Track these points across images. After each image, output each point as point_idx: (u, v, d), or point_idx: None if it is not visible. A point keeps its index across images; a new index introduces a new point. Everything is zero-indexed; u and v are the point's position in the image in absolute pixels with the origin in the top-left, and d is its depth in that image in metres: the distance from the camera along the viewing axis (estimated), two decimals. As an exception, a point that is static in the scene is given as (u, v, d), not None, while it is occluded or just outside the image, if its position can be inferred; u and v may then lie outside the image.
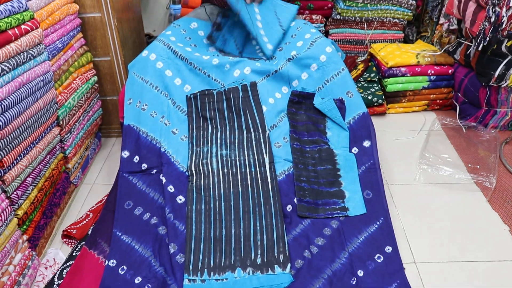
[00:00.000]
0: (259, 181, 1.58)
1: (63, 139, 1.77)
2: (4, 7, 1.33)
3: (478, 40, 2.05)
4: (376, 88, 2.47)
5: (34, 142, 1.53)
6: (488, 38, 2.00)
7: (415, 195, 1.84)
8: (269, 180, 1.58)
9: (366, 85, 2.51)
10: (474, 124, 2.31)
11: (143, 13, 3.25)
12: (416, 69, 2.43)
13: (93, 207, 1.80)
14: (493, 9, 1.94)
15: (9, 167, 1.37)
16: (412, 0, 2.79)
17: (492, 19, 1.95)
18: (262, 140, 1.69)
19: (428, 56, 2.47)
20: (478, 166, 1.98)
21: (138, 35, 2.41)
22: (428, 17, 3.04)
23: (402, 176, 1.95)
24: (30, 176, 1.51)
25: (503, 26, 1.94)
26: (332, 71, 1.77)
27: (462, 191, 1.85)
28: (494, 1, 1.92)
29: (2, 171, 1.34)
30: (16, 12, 1.40)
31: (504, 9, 1.90)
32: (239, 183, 1.58)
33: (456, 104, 2.44)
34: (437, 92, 2.48)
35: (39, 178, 1.58)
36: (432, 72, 2.43)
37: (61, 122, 1.73)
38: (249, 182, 1.58)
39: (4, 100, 1.31)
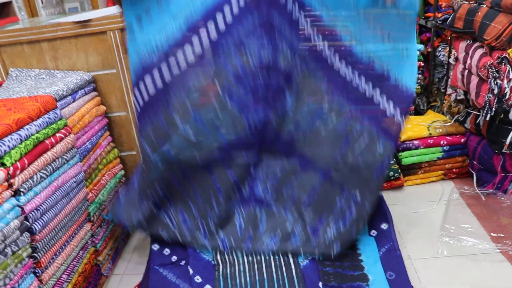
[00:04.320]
0: (283, 268, 1.61)
1: (94, 233, 1.85)
2: (42, 120, 1.47)
3: (485, 111, 2.12)
4: (392, 162, 2.53)
5: (68, 240, 1.62)
6: (494, 109, 2.08)
7: (440, 269, 1.83)
8: (292, 267, 1.61)
9: (381, 159, 2.57)
10: (493, 190, 2.32)
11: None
12: (429, 141, 2.49)
13: (123, 298, 1.84)
14: (495, 82, 2.03)
15: (46, 267, 1.44)
16: (418, 74, 2.91)
17: (495, 91, 2.04)
18: None
19: (439, 127, 2.54)
20: (502, 235, 1.98)
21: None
22: (436, 88, 3.15)
23: (425, 250, 1.95)
24: (65, 273, 1.58)
25: (507, 96, 2.02)
26: None
27: (488, 262, 1.84)
28: (494, 75, 2.02)
29: (40, 271, 1.41)
30: (52, 122, 1.54)
31: (505, 81, 1.99)
32: (264, 271, 1.61)
33: (473, 171, 2.47)
34: (452, 161, 2.53)
35: (73, 274, 1.64)
36: (445, 142, 2.49)
37: (92, 218, 1.82)
38: (273, 269, 1.61)
39: (42, 205, 1.42)
